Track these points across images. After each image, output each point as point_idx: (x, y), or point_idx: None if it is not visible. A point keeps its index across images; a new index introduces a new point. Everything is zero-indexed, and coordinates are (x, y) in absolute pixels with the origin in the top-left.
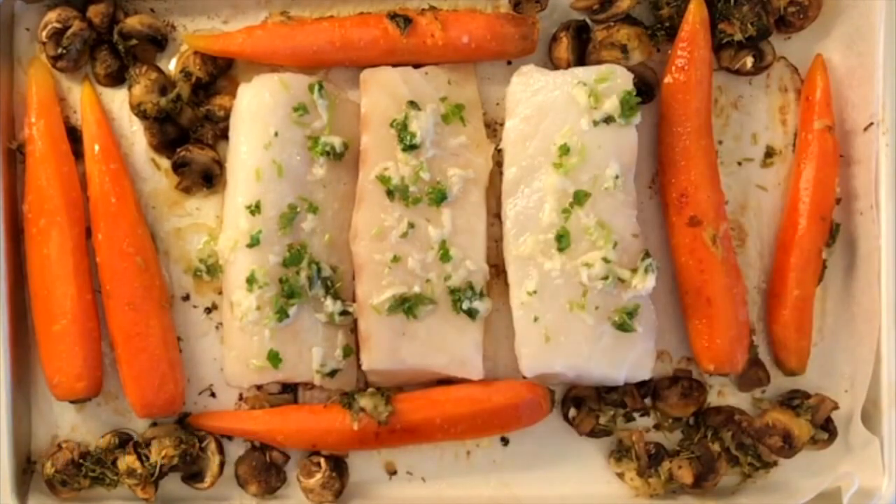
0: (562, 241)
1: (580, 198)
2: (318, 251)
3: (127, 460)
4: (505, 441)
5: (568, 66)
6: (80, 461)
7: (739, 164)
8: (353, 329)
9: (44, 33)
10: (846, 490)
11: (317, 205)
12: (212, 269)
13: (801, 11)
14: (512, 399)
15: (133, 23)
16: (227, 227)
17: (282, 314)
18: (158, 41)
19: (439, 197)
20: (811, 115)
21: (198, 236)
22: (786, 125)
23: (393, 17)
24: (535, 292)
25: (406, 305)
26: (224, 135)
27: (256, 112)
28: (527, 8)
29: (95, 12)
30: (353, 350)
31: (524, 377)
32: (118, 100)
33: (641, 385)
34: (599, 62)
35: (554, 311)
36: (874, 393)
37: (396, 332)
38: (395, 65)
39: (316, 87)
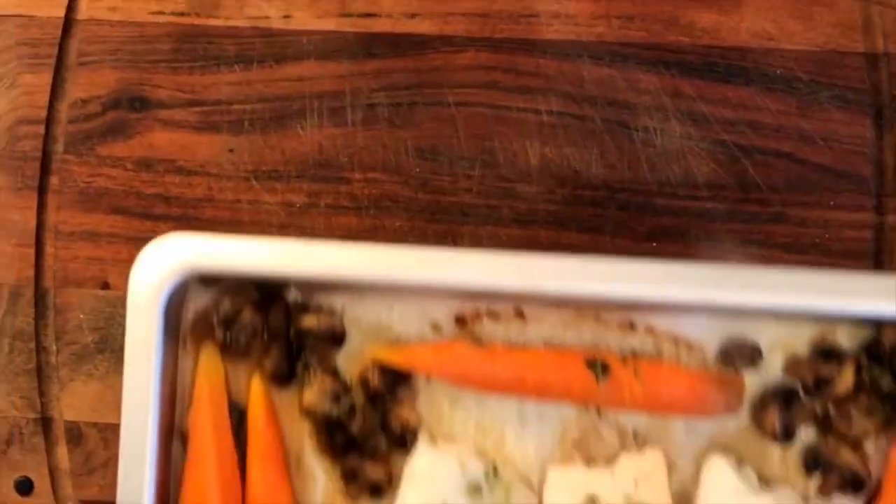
0: None
1: None
2: None
3: None
4: None
5: (774, 436)
6: None
7: None
8: None
9: (215, 319)
10: None
11: None
12: None
13: None
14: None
15: (310, 323)
16: None
17: None
18: (336, 338)
19: None
20: None
21: None
22: None
23: (591, 363)
24: None
25: None
26: (398, 444)
27: (431, 475)
28: (736, 361)
29: (275, 317)
30: None
31: None
32: (286, 398)
33: None
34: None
35: None
36: None
37: None
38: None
39: (490, 475)
